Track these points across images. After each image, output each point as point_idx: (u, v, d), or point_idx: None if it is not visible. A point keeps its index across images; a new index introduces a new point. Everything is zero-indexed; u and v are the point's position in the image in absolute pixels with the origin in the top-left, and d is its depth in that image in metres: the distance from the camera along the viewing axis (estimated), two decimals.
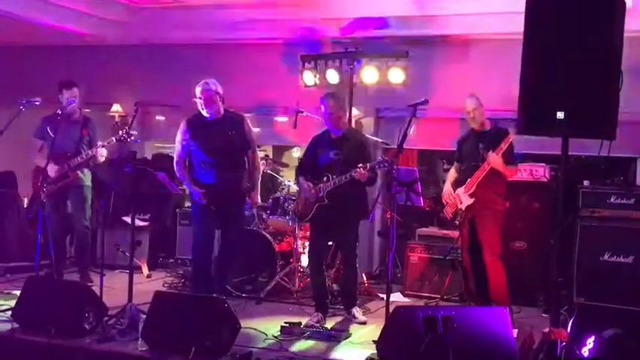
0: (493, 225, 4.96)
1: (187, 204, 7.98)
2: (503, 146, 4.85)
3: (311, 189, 4.96)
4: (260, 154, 5.71)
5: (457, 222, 5.15)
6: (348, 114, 5.97)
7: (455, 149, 5.40)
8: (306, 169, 5.12)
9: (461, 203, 5.08)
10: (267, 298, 5.60)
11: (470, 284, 5.24)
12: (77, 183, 5.84)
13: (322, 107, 5.02)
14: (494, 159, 4.87)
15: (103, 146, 5.64)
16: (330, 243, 5.41)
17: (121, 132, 5.21)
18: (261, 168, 5.39)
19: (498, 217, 4.99)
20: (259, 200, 5.32)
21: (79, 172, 5.79)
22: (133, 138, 5.09)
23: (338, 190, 4.87)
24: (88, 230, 5.98)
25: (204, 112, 5.02)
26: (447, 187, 5.30)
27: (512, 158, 4.97)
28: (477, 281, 5.13)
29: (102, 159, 5.72)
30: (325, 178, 4.91)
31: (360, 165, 4.67)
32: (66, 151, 5.78)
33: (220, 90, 5.07)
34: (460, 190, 5.09)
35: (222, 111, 5.09)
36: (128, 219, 4.74)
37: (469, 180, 5.03)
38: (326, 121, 5.04)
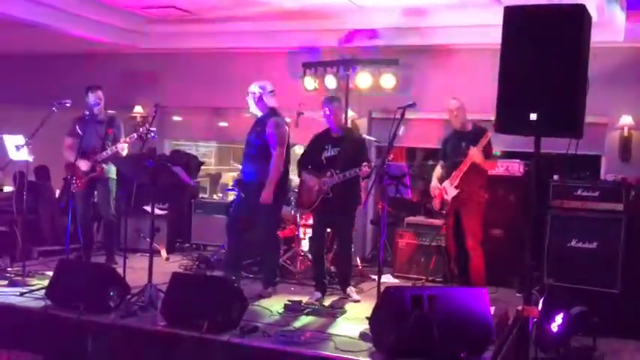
0: (475, 214, 4.98)
1: (202, 195, 8.06)
2: (483, 141, 4.89)
3: (314, 181, 4.95)
4: None
5: (444, 212, 5.15)
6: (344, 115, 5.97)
7: (440, 147, 5.39)
8: (308, 162, 5.11)
9: (447, 195, 5.07)
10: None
11: (452, 267, 5.25)
12: (103, 176, 5.82)
13: (326, 109, 5.02)
14: (475, 153, 4.89)
15: (125, 142, 5.62)
16: (328, 230, 5.41)
17: (141, 129, 5.19)
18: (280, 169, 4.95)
19: (480, 208, 5.01)
20: (267, 198, 4.83)
21: (104, 165, 5.77)
22: (152, 134, 5.07)
23: (339, 183, 4.88)
24: (114, 218, 5.97)
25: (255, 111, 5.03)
26: (434, 182, 5.29)
27: (490, 153, 5.02)
28: (459, 264, 5.14)
29: (124, 153, 5.67)
30: (329, 173, 4.90)
31: (366, 164, 4.72)
32: (93, 147, 5.78)
33: (257, 90, 5.00)
34: (446, 183, 5.09)
35: (259, 111, 5.01)
36: (149, 208, 4.74)
37: (454, 173, 5.03)
38: (329, 121, 5.04)
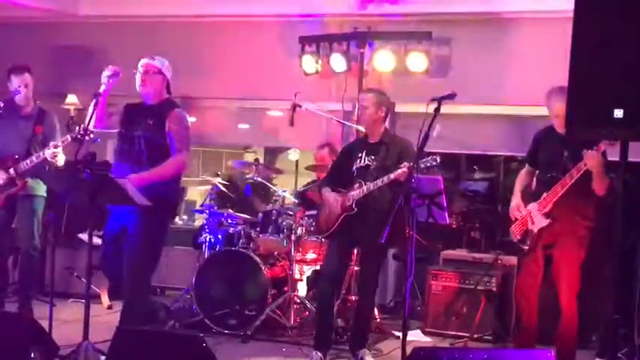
0: (576, 256, 4.74)
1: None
2: (603, 147, 4.38)
3: (337, 200, 5.06)
4: (249, 156, 5.71)
5: (525, 247, 4.91)
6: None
7: (531, 146, 5.09)
8: (333, 179, 5.27)
9: (533, 224, 4.83)
10: (256, 336, 5.61)
11: (524, 321, 4.96)
12: (27, 192, 5.76)
13: (363, 105, 5.14)
14: (594, 158, 4.43)
15: (55, 146, 5.48)
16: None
17: (77, 128, 5.14)
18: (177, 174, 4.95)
19: (582, 246, 4.75)
20: (135, 179, 4.63)
21: (29, 179, 5.72)
22: (91, 135, 5.00)
23: (370, 200, 4.96)
24: (35, 251, 5.87)
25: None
26: (516, 199, 4.99)
27: (606, 167, 4.57)
28: (529, 319, 4.94)
29: (60, 163, 5.55)
30: (357, 184, 5.02)
31: (406, 163, 4.71)
32: (13, 154, 5.72)
33: (161, 66, 4.99)
34: (533, 207, 4.84)
35: (155, 96, 4.99)
36: (85, 236, 4.73)
37: (545, 195, 4.75)
38: (363, 123, 5.22)
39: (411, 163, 4.59)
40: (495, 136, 6.30)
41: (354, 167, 5.14)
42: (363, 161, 5.11)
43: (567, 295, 4.73)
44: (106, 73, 4.86)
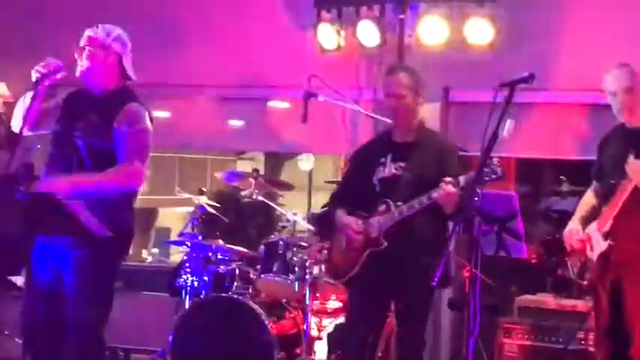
0: None
1: None
2: None
3: (358, 229, 5.02)
4: (244, 165, 5.72)
5: (584, 283, 5.11)
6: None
7: (597, 155, 5.25)
8: (349, 195, 5.24)
9: (592, 250, 5.00)
10: None
11: None
12: None
13: (394, 91, 5.07)
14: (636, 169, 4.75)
15: None
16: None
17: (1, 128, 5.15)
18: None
19: None
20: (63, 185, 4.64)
21: None
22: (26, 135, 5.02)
23: (406, 228, 4.91)
24: None
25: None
26: (573, 223, 5.17)
27: None
28: None
29: None
30: (383, 207, 4.96)
31: (448, 179, 4.68)
32: None
33: (108, 38, 4.89)
34: (592, 228, 5.03)
35: (100, 82, 4.93)
36: (18, 280, 4.74)
37: (604, 209, 4.96)
38: (396, 118, 5.13)
39: (461, 179, 4.61)
40: (591, 135, 6.26)
41: (376, 178, 5.09)
42: (387, 170, 5.07)
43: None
44: (39, 69, 4.72)
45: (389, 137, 5.17)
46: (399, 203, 4.87)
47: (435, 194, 4.69)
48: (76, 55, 4.85)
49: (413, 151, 5.03)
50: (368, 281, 5.02)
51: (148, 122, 4.85)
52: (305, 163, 6.56)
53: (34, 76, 4.70)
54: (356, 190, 5.17)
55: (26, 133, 4.88)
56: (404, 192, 4.91)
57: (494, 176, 4.50)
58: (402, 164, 5.00)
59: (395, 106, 5.07)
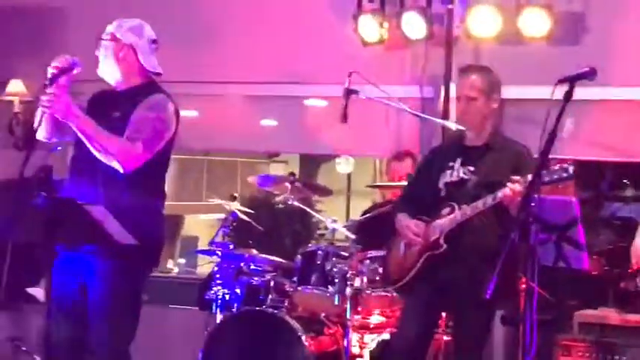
0: None
1: None
2: None
3: (418, 232, 5.07)
4: (277, 168, 5.64)
5: None
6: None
7: None
8: (413, 200, 5.32)
9: None
10: None
11: None
12: None
13: (465, 94, 5.10)
14: None
15: None
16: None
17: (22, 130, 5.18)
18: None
19: None
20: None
21: None
22: (47, 140, 4.97)
23: (467, 232, 4.99)
24: None
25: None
26: None
27: None
28: None
29: None
30: (448, 209, 5.02)
31: (515, 177, 4.70)
32: None
33: (129, 35, 4.95)
34: None
35: (124, 79, 5.00)
36: (37, 292, 4.69)
37: None
38: (467, 122, 5.18)
39: (526, 176, 4.55)
40: None
41: (442, 183, 5.14)
42: (456, 174, 5.11)
43: None
44: (56, 64, 4.74)
45: (460, 141, 5.21)
46: (464, 206, 4.91)
47: (500, 194, 4.76)
48: (96, 52, 4.93)
49: (483, 156, 5.10)
50: (424, 287, 5.08)
51: (170, 115, 4.89)
52: (344, 166, 6.52)
53: (50, 72, 4.72)
54: (421, 194, 5.23)
55: (51, 140, 4.96)
56: (471, 196, 4.95)
57: (565, 175, 4.46)
58: (472, 168, 5.05)
59: (464, 109, 5.12)
